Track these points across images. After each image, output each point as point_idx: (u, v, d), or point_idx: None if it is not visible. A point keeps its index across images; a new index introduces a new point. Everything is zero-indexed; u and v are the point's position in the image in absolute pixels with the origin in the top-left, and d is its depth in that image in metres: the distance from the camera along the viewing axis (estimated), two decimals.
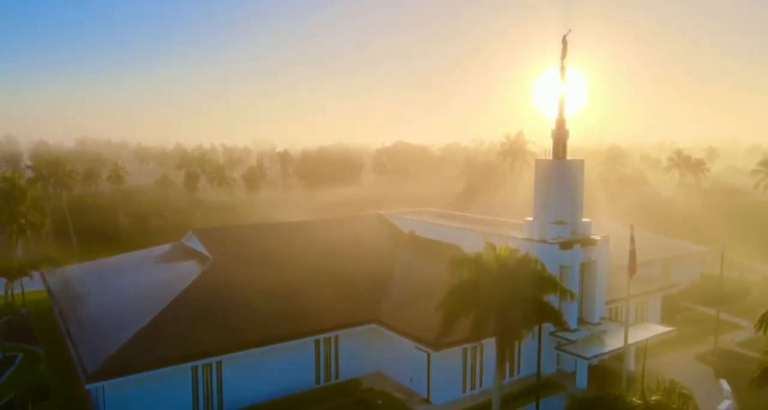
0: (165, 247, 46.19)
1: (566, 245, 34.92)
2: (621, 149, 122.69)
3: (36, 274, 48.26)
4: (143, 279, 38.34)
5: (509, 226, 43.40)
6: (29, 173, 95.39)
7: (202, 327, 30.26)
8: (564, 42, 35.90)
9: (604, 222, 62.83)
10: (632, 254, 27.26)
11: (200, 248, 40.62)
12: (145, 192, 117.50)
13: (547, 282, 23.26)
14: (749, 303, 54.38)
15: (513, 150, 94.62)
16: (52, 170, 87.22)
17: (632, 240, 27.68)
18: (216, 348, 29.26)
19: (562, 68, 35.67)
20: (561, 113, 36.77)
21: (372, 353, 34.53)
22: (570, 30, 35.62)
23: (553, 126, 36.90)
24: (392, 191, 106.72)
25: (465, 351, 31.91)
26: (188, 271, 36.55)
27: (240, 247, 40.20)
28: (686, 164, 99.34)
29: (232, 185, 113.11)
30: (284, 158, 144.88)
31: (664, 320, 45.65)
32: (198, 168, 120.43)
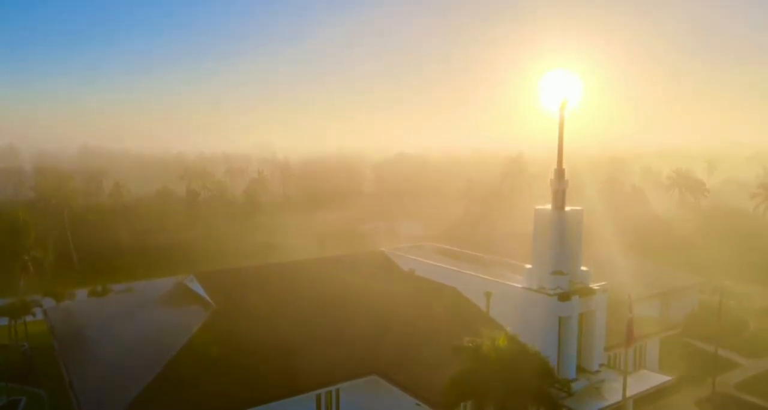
0: (167, 286, 46.57)
1: (565, 297, 35.19)
2: (622, 162, 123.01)
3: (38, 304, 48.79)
4: (144, 328, 38.60)
5: (509, 268, 43.80)
6: (31, 191, 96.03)
7: (202, 385, 30.50)
8: (563, 100, 36.36)
9: (604, 251, 63.32)
10: (630, 323, 27.54)
11: (201, 292, 40.96)
12: (146, 205, 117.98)
13: (546, 374, 23.52)
14: (747, 337, 54.70)
15: (513, 171, 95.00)
16: (54, 191, 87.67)
17: (630, 308, 27.96)
18: (216, 408, 29.55)
19: (561, 123, 36.03)
20: (560, 163, 37.08)
21: (373, 403, 34.74)
22: (568, 93, 36.10)
23: (551, 176, 37.23)
24: (393, 213, 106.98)
25: (465, 406, 32.16)
26: (189, 320, 36.79)
27: (240, 292, 40.58)
28: (686, 183, 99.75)
29: (233, 201, 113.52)
30: (285, 171, 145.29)
31: (662, 359, 45.91)
32: (199, 183, 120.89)
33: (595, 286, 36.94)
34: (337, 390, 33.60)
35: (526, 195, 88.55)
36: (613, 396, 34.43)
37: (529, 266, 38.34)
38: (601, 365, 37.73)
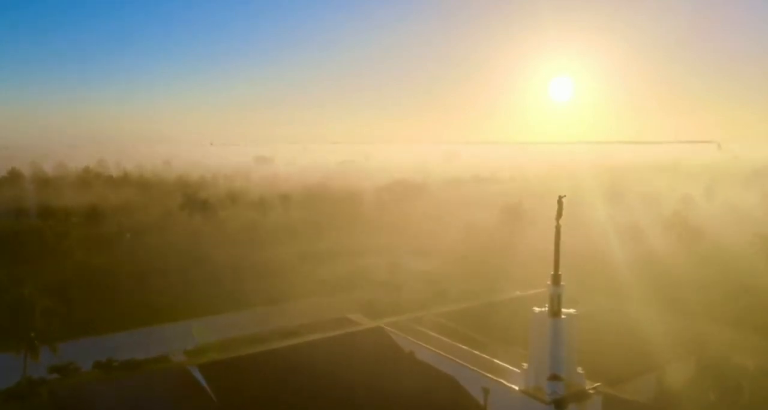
0: (171, 374, 47.37)
1: (561, 405, 35.97)
2: (621, 195, 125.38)
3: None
4: None
5: (508, 357, 44.38)
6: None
7: None
8: (559, 203, 37.24)
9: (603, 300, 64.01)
10: None
11: (205, 385, 41.88)
12: (147, 239, 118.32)
13: None
14: (744, 404, 54.98)
15: (513, 213, 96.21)
16: (56, 229, 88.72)
17: None
18: None
19: (557, 232, 36.87)
20: (556, 269, 37.90)
21: None
22: (565, 195, 36.94)
23: (548, 281, 38.04)
24: (396, 245, 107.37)
25: None
26: None
27: (241, 383, 41.50)
28: (683, 226, 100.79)
29: (234, 235, 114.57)
30: (285, 201, 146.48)
31: None
32: (201, 214, 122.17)
33: (589, 389, 37.73)
34: None
35: (526, 238, 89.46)
36: None
37: (525, 365, 39.11)
38: None
